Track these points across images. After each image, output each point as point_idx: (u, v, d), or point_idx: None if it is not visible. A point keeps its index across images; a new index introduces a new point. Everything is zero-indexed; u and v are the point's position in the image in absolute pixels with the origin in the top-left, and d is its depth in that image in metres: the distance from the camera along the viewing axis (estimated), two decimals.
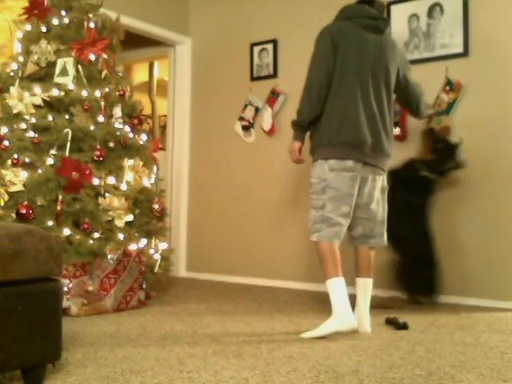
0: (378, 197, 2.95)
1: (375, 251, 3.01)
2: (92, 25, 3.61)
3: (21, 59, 3.55)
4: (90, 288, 3.23)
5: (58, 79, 3.42)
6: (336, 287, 2.73)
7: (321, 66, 2.83)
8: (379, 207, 2.95)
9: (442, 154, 3.60)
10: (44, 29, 3.55)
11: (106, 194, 3.31)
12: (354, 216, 2.89)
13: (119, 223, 3.33)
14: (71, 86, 3.40)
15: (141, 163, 3.57)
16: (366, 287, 2.91)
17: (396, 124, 4.04)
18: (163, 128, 6.59)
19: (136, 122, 3.71)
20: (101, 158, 3.34)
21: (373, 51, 2.87)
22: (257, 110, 4.77)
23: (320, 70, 2.83)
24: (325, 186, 2.80)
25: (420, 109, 3.11)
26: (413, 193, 3.59)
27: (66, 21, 3.56)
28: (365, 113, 2.81)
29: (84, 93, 3.41)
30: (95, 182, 3.29)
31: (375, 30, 2.90)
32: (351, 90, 2.81)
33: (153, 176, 3.73)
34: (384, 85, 2.89)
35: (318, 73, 2.83)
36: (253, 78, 4.82)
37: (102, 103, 3.46)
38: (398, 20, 4.08)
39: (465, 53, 3.82)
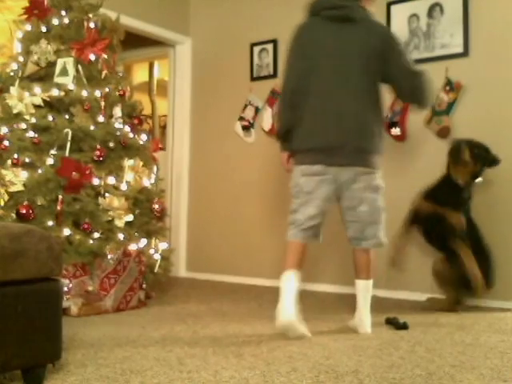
0: (367, 197, 2.81)
1: (373, 252, 2.93)
2: (92, 25, 3.61)
3: (21, 59, 3.55)
4: (90, 288, 3.23)
5: (57, 79, 3.43)
6: (283, 280, 2.70)
7: (290, 73, 2.82)
8: (369, 208, 2.82)
9: (482, 157, 3.44)
10: (44, 29, 3.55)
11: (106, 194, 3.31)
12: (344, 219, 2.88)
13: (119, 223, 3.33)
14: (71, 86, 3.40)
15: (141, 163, 3.57)
16: (364, 289, 2.88)
17: (396, 124, 4.05)
18: (163, 128, 6.59)
19: (136, 122, 3.71)
20: (101, 158, 3.34)
21: (339, 46, 2.75)
22: (257, 109, 4.78)
23: (290, 77, 2.82)
24: (298, 191, 2.81)
25: (417, 99, 2.84)
26: (464, 208, 3.48)
27: (66, 21, 3.57)
28: (332, 115, 2.72)
29: (84, 93, 3.41)
30: (95, 182, 3.29)
31: (343, 19, 2.76)
32: (317, 94, 2.74)
33: (153, 176, 3.73)
34: (357, 79, 2.73)
35: (289, 80, 2.82)
36: (253, 78, 4.82)
37: (102, 103, 3.46)
38: (398, 20, 4.08)
39: (465, 53, 3.83)
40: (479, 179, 3.49)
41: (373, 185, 2.82)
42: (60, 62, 3.44)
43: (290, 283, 2.68)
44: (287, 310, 2.62)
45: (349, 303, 3.72)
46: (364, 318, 2.84)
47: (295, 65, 2.81)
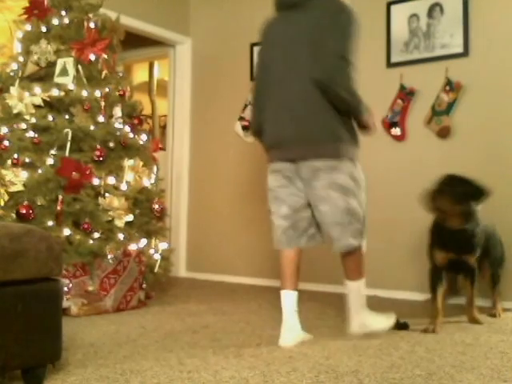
0: (329, 196, 2.56)
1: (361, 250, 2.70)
2: (92, 25, 3.61)
3: (21, 59, 3.55)
4: (90, 288, 3.23)
5: (57, 79, 3.43)
6: (282, 300, 2.67)
7: (255, 75, 2.82)
8: (330, 208, 2.57)
9: (467, 195, 2.90)
10: (44, 29, 3.56)
11: (106, 194, 3.31)
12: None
13: (119, 223, 3.33)
14: (71, 86, 3.40)
15: (141, 163, 3.57)
16: (353, 290, 2.73)
17: (396, 124, 4.05)
18: (163, 128, 6.59)
19: (136, 122, 3.71)
20: (101, 158, 3.34)
21: (287, 35, 2.60)
22: None
23: (255, 78, 2.81)
24: (269, 190, 2.74)
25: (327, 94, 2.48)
26: None
27: (66, 21, 3.57)
28: (280, 108, 2.60)
29: (84, 93, 3.41)
30: (95, 182, 3.29)
31: (292, 6, 2.60)
32: (270, 90, 2.65)
33: (153, 176, 3.73)
34: (307, 66, 2.51)
35: (254, 82, 2.80)
36: (253, 78, 4.81)
37: (102, 103, 3.46)
38: (398, 20, 4.08)
39: (465, 53, 3.82)
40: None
41: (336, 182, 2.55)
42: (60, 62, 3.44)
43: (289, 304, 2.65)
44: (289, 333, 2.59)
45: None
46: (350, 317, 2.73)
47: (257, 65, 2.78)
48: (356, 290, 2.74)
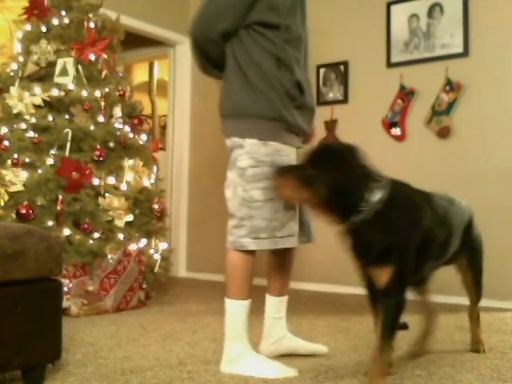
0: (231, 180, 2.15)
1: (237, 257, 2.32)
2: (92, 25, 3.62)
3: (21, 59, 3.55)
4: (90, 288, 3.23)
5: (57, 79, 3.43)
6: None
7: None
8: (231, 195, 2.16)
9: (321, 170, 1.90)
10: (44, 29, 3.56)
11: (106, 194, 3.31)
12: None
13: (119, 223, 3.33)
14: (71, 86, 3.40)
15: (141, 163, 3.57)
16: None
17: (396, 124, 4.05)
18: (163, 128, 6.59)
19: (136, 122, 3.71)
20: (101, 158, 3.34)
21: None
22: None
23: None
24: None
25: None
26: None
27: (66, 21, 3.57)
28: None
29: (84, 93, 3.41)
30: (95, 182, 3.29)
31: None
32: None
33: (153, 176, 3.73)
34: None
35: None
36: None
37: (102, 103, 3.47)
38: (398, 20, 4.08)
39: (465, 53, 3.83)
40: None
41: (237, 165, 2.15)
42: (60, 62, 3.44)
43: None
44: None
45: (349, 303, 3.73)
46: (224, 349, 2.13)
47: None
48: (227, 311, 2.28)
